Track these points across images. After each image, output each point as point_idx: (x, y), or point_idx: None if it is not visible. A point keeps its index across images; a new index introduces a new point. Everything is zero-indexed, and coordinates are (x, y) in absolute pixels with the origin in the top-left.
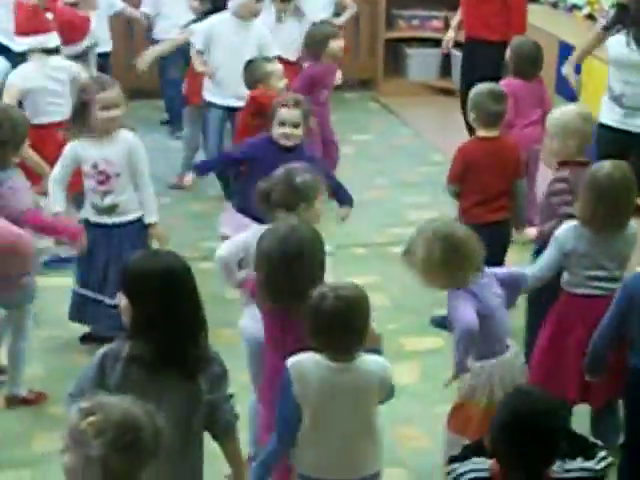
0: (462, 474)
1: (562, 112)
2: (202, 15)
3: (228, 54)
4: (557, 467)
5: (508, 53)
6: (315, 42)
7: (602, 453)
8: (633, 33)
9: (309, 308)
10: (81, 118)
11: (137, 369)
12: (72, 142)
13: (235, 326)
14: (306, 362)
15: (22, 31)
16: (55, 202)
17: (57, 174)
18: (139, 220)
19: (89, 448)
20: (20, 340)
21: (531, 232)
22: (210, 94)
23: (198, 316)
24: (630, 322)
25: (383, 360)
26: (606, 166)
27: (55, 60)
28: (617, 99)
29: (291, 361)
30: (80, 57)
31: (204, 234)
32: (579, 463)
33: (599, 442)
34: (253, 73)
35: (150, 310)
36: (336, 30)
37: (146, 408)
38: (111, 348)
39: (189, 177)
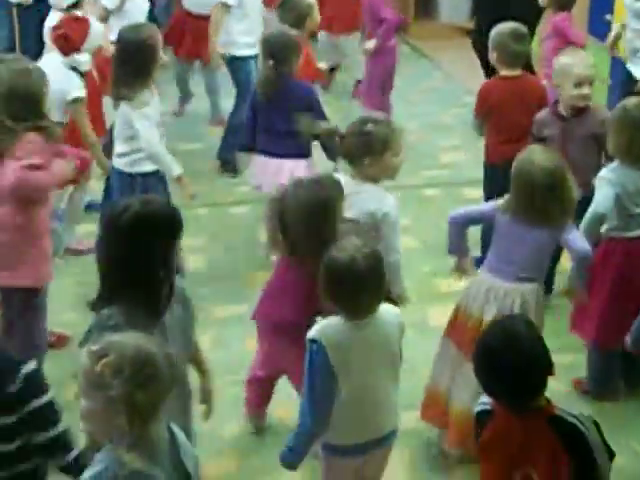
0: (476, 407)
1: None
2: None
3: None
4: (565, 407)
5: None
6: None
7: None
8: None
9: (337, 275)
10: (145, 72)
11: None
12: (141, 107)
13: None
14: (331, 329)
15: None
16: (174, 165)
17: (156, 139)
18: None
19: (109, 389)
20: None
21: None
22: (242, 48)
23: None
24: None
25: (390, 305)
26: (632, 100)
27: None
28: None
29: (316, 333)
30: None
31: (236, 179)
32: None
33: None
34: (297, 9)
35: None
36: None
37: (156, 340)
38: None
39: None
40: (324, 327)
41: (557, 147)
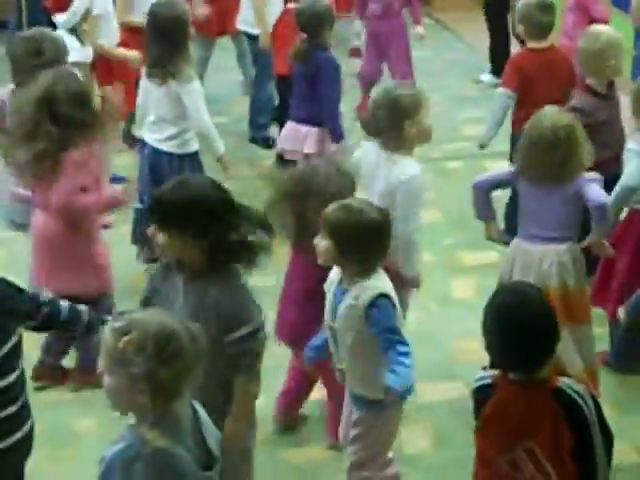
0: (474, 384)
1: None
2: None
3: None
4: (567, 381)
5: None
6: None
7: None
8: None
9: (379, 231)
10: (184, 47)
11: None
12: (189, 82)
13: None
14: (382, 284)
15: None
16: (220, 144)
17: (207, 116)
18: None
19: (132, 366)
20: None
21: None
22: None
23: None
24: None
25: None
26: None
27: None
28: None
29: (382, 288)
30: None
31: (262, 152)
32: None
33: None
34: None
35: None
36: None
37: (178, 316)
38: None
39: None
40: (378, 283)
41: (613, 127)
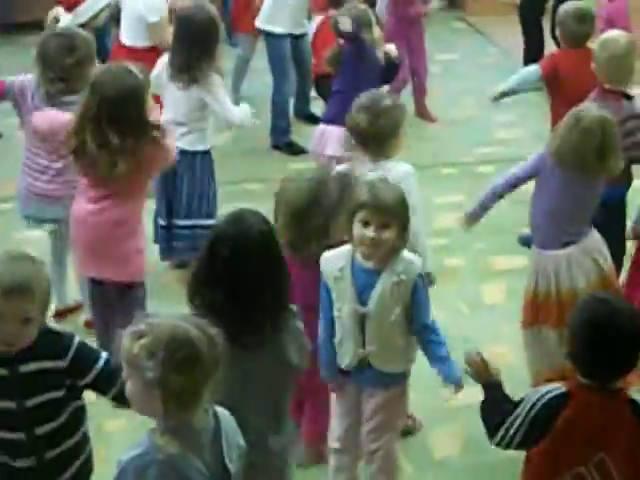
0: (539, 399)
1: None
2: None
3: None
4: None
5: None
6: None
7: None
8: None
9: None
10: (214, 52)
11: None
12: (213, 87)
13: None
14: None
15: None
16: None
17: (233, 109)
18: None
19: (145, 371)
20: (64, 258)
21: None
22: (275, 25)
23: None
24: None
25: None
26: None
27: None
28: None
29: (420, 265)
30: None
31: (289, 155)
32: None
33: None
34: None
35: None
36: None
37: (196, 320)
38: None
39: None
40: (413, 256)
41: None
